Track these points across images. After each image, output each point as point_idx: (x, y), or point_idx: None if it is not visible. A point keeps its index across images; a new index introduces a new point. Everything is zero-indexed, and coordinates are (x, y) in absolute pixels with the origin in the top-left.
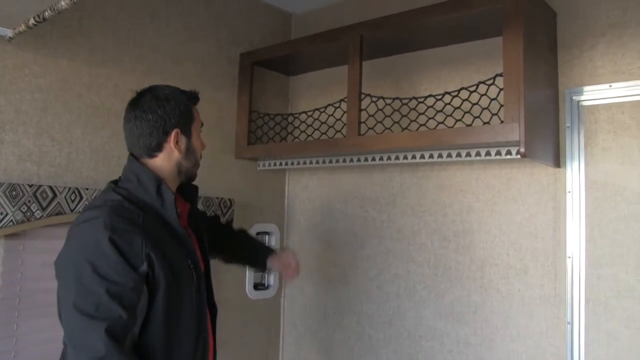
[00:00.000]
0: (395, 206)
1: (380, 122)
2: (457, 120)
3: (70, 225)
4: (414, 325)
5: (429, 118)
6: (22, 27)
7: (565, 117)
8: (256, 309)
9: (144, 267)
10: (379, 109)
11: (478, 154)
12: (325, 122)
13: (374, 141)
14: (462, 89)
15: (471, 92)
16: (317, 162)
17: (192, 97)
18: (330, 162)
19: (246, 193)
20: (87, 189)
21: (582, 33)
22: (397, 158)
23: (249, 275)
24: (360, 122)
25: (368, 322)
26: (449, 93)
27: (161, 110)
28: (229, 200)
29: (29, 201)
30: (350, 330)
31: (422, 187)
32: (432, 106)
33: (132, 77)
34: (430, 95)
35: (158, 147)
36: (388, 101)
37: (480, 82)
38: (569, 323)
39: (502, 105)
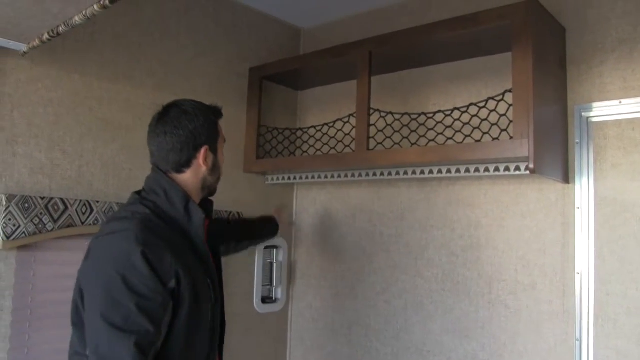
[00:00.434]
0: (403, 221)
1: (389, 137)
2: (466, 136)
3: (95, 236)
4: (422, 340)
5: (438, 134)
6: (37, 42)
7: (575, 133)
8: (264, 323)
9: (172, 284)
10: (387, 124)
11: (487, 169)
12: (334, 137)
13: (382, 156)
14: (471, 104)
15: (480, 107)
16: (326, 177)
17: (217, 112)
18: (339, 176)
19: (254, 207)
20: (97, 202)
21: (592, 49)
22: (405, 173)
23: (257, 289)
24: (369, 137)
25: (375, 336)
26: (458, 109)
27: (192, 126)
28: (237, 214)
29: (41, 213)
30: (358, 344)
31: (431, 202)
32: (441, 122)
33: (143, 92)
34: (439, 111)
35: (187, 163)
36: (397, 116)
37: (489, 98)
38: (577, 340)
39: (511, 121)
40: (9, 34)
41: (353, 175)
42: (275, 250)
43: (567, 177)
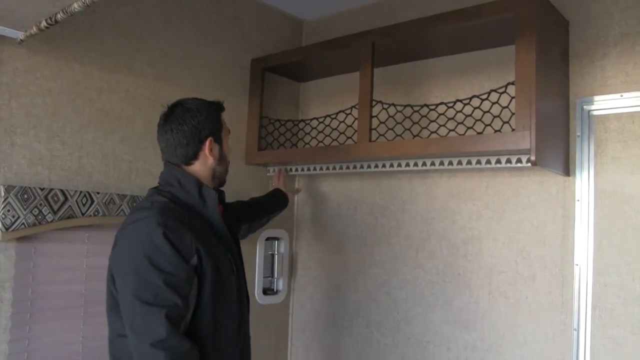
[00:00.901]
0: (404, 213)
1: (391, 129)
2: (468, 128)
3: (120, 227)
4: (422, 331)
5: (440, 125)
6: (34, 30)
7: (576, 126)
8: (265, 314)
9: (194, 260)
10: (390, 116)
11: (488, 161)
12: (336, 129)
13: (384, 148)
14: (473, 96)
15: (483, 100)
16: (327, 169)
17: (219, 106)
18: (341, 168)
19: None
20: (98, 193)
21: (594, 42)
22: (407, 165)
23: (258, 281)
24: (371, 129)
25: (376, 327)
26: (460, 101)
27: (195, 121)
28: None
29: (41, 204)
30: (359, 335)
31: (432, 194)
32: (443, 114)
33: (143, 83)
34: (441, 103)
35: (194, 156)
36: (399, 108)
37: (492, 90)
38: (575, 329)
39: (513, 114)
40: (5, 21)
41: (355, 167)
42: (276, 241)
43: (567, 169)
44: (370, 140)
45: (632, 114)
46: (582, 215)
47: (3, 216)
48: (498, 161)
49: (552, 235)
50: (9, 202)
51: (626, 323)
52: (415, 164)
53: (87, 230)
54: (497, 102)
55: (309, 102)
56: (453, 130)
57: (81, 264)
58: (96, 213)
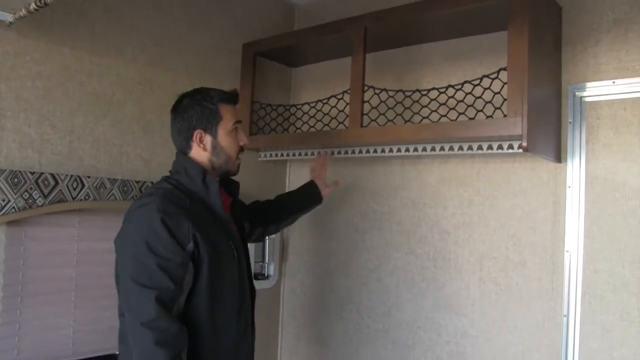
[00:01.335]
0: (396, 198)
1: (383, 114)
2: (460, 114)
3: (127, 210)
4: (413, 317)
5: (432, 111)
6: (23, 12)
7: (568, 112)
8: (256, 299)
9: (190, 246)
10: (381, 101)
11: (480, 147)
12: (327, 114)
13: (376, 133)
14: (465, 82)
15: (475, 85)
16: (319, 154)
17: (224, 98)
18: (332, 153)
19: (247, 183)
20: (89, 177)
21: (587, 29)
22: (399, 150)
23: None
24: (362, 114)
25: (367, 313)
26: (452, 86)
27: (186, 114)
28: None
29: (31, 188)
30: (349, 321)
31: (423, 180)
32: (435, 99)
33: (134, 67)
34: (433, 88)
35: (187, 146)
36: (391, 93)
37: (484, 76)
38: (565, 315)
39: (505, 100)
40: None
41: (346, 152)
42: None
43: (559, 156)
44: (361, 126)
45: (624, 101)
46: (573, 202)
47: None
48: (490, 147)
49: (542, 222)
50: None
51: (615, 309)
52: (407, 150)
53: (77, 214)
54: (489, 88)
55: (301, 87)
56: (445, 115)
57: (72, 248)
58: (87, 197)
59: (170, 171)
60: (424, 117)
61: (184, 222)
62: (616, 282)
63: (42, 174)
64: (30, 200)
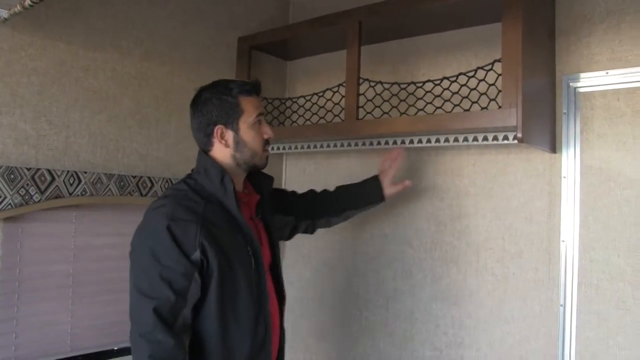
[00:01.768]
0: None
1: (378, 106)
2: (455, 105)
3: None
4: (410, 308)
5: (427, 103)
6: (18, 8)
7: (562, 103)
8: None
9: (196, 255)
10: (377, 94)
11: (475, 139)
12: (323, 107)
13: (372, 126)
14: (460, 74)
15: (469, 77)
16: (315, 147)
17: (244, 90)
18: (328, 146)
19: None
20: (85, 173)
21: (580, 20)
22: (394, 143)
23: None
24: (358, 107)
25: (365, 305)
26: (447, 78)
27: (205, 109)
28: None
29: (27, 184)
30: (347, 313)
31: (419, 172)
32: (430, 91)
33: (130, 61)
34: (428, 81)
35: (209, 143)
36: (386, 86)
37: (478, 68)
38: (561, 305)
39: (500, 91)
40: None
41: (342, 145)
42: None
43: (554, 146)
44: (357, 118)
45: (617, 91)
46: (568, 192)
47: None
48: (485, 138)
49: (538, 212)
50: None
51: (611, 298)
52: (403, 142)
53: (74, 210)
54: (483, 80)
55: (296, 80)
56: (440, 107)
57: (69, 244)
58: (84, 193)
59: (192, 169)
60: (419, 109)
61: (192, 229)
62: (611, 271)
63: (38, 169)
64: (27, 197)
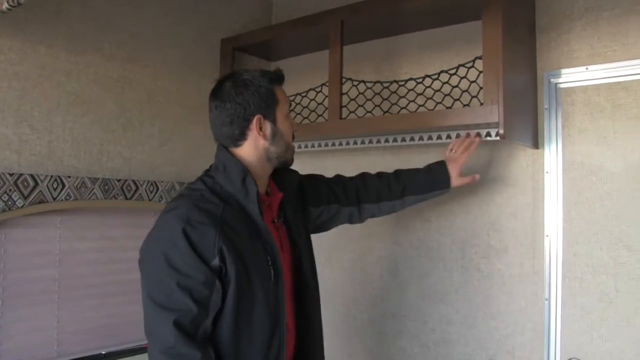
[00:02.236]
0: None
1: (362, 105)
2: (437, 103)
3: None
4: (398, 306)
5: (410, 101)
6: None
7: (544, 99)
8: None
9: (215, 261)
10: (360, 93)
11: (458, 135)
12: (307, 107)
13: (355, 125)
14: (442, 71)
15: (451, 74)
16: (299, 147)
17: (274, 79)
18: (313, 146)
19: None
20: (69, 177)
21: (560, 16)
22: (378, 141)
23: None
24: (341, 106)
25: (352, 303)
26: (429, 76)
27: (240, 98)
28: None
29: (10, 190)
30: (335, 311)
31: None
32: (412, 89)
33: (113, 64)
34: (410, 79)
35: (242, 136)
36: (369, 85)
37: (460, 65)
38: (546, 299)
39: (481, 88)
40: None
41: (327, 145)
42: None
43: (536, 142)
44: (340, 118)
45: (597, 86)
46: (552, 187)
47: None
48: (468, 135)
49: (522, 207)
50: None
51: (594, 291)
52: (387, 140)
53: (59, 214)
54: (465, 77)
55: None
56: (423, 105)
57: (54, 249)
58: (68, 197)
59: (211, 166)
60: (402, 108)
61: (210, 233)
62: (595, 264)
63: (21, 175)
64: (10, 202)
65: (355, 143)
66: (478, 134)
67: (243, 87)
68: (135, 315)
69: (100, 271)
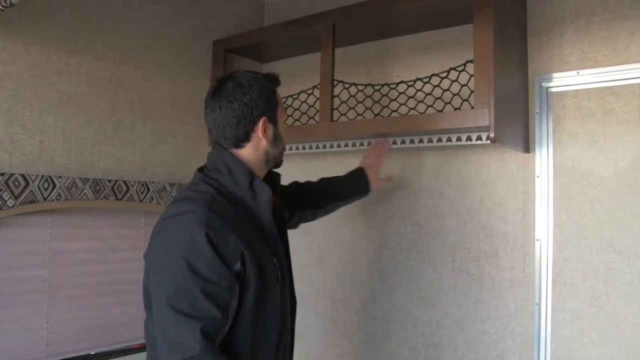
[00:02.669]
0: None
1: (353, 108)
2: (428, 107)
3: (161, 217)
4: (388, 309)
5: (401, 104)
6: None
7: (535, 103)
8: None
9: (237, 266)
10: (351, 96)
11: (449, 139)
12: (298, 109)
13: (346, 127)
14: (433, 75)
15: (442, 78)
16: (291, 149)
17: (274, 81)
18: (304, 148)
19: None
20: (60, 177)
21: (551, 21)
22: (369, 144)
23: None
24: (332, 109)
25: (342, 306)
26: (420, 79)
27: (247, 98)
28: None
29: (1, 190)
30: (325, 314)
31: (394, 173)
32: (403, 92)
33: (105, 65)
34: (401, 82)
35: (246, 137)
36: (360, 87)
37: (451, 69)
38: (536, 304)
39: (472, 91)
40: None
41: (318, 147)
42: None
43: (527, 146)
44: (332, 120)
45: (588, 91)
46: (542, 191)
47: None
48: (458, 139)
49: (513, 212)
50: None
51: (584, 296)
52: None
53: (49, 214)
54: (456, 80)
55: None
56: (414, 109)
57: (44, 249)
58: (58, 197)
59: (207, 166)
60: (393, 111)
61: (231, 237)
62: (585, 269)
63: (12, 174)
64: (1, 202)
65: (346, 145)
66: (387, 141)
67: (249, 88)
68: (125, 315)
69: (90, 271)
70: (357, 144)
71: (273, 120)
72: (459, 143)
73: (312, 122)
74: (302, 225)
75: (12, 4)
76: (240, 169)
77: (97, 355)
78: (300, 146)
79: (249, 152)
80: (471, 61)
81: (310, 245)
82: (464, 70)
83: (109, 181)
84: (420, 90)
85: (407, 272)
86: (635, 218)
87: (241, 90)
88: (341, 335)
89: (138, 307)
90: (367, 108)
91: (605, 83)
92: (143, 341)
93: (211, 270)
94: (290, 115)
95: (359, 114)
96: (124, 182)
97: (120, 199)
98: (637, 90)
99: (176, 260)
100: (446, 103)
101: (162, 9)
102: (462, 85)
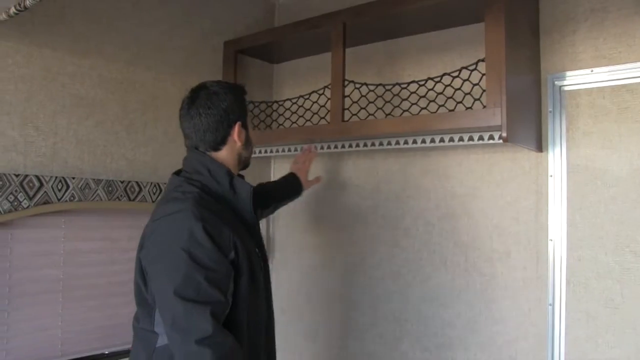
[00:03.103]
0: (379, 192)
1: (364, 108)
2: (440, 106)
3: (151, 219)
4: (399, 309)
5: (412, 104)
6: (3, 16)
7: (548, 101)
8: None
9: (232, 255)
10: (362, 96)
11: (461, 139)
12: (309, 109)
13: (357, 127)
14: (444, 74)
15: (454, 77)
16: (301, 149)
17: (244, 90)
18: (315, 148)
19: None
20: (73, 178)
21: (564, 18)
22: (380, 144)
23: None
24: (344, 109)
25: (354, 307)
26: (431, 79)
27: (224, 105)
28: None
29: (16, 191)
30: (337, 315)
31: (406, 173)
32: (415, 92)
33: (116, 67)
34: (413, 81)
35: (223, 141)
36: (371, 87)
37: (462, 68)
38: (550, 304)
39: (484, 91)
40: None
41: (329, 147)
42: None
43: (540, 145)
44: (343, 120)
45: (602, 89)
46: (555, 191)
47: None
48: (470, 138)
49: (525, 211)
50: None
51: (599, 297)
52: (389, 143)
53: (63, 215)
54: (468, 80)
55: (282, 84)
56: (425, 108)
57: (58, 249)
58: (72, 198)
59: (185, 170)
60: (404, 110)
61: (225, 229)
62: (599, 269)
63: (26, 176)
64: (16, 203)
65: (357, 146)
66: (315, 147)
67: (225, 95)
68: None
69: (103, 272)
70: (369, 144)
71: (245, 125)
72: (470, 142)
73: (323, 122)
74: (312, 227)
75: (26, 8)
76: (220, 169)
77: (110, 354)
78: (318, 145)
79: (225, 154)
80: (483, 60)
81: (322, 246)
82: (475, 69)
83: (122, 182)
84: (432, 89)
85: (419, 272)
86: None
87: (218, 98)
88: (353, 336)
89: None
90: (378, 108)
91: (620, 81)
92: None
93: (211, 260)
94: (302, 116)
95: (370, 114)
96: (136, 183)
97: (133, 200)
98: None
99: (178, 253)
100: (458, 102)
101: (172, 10)
102: (474, 85)
